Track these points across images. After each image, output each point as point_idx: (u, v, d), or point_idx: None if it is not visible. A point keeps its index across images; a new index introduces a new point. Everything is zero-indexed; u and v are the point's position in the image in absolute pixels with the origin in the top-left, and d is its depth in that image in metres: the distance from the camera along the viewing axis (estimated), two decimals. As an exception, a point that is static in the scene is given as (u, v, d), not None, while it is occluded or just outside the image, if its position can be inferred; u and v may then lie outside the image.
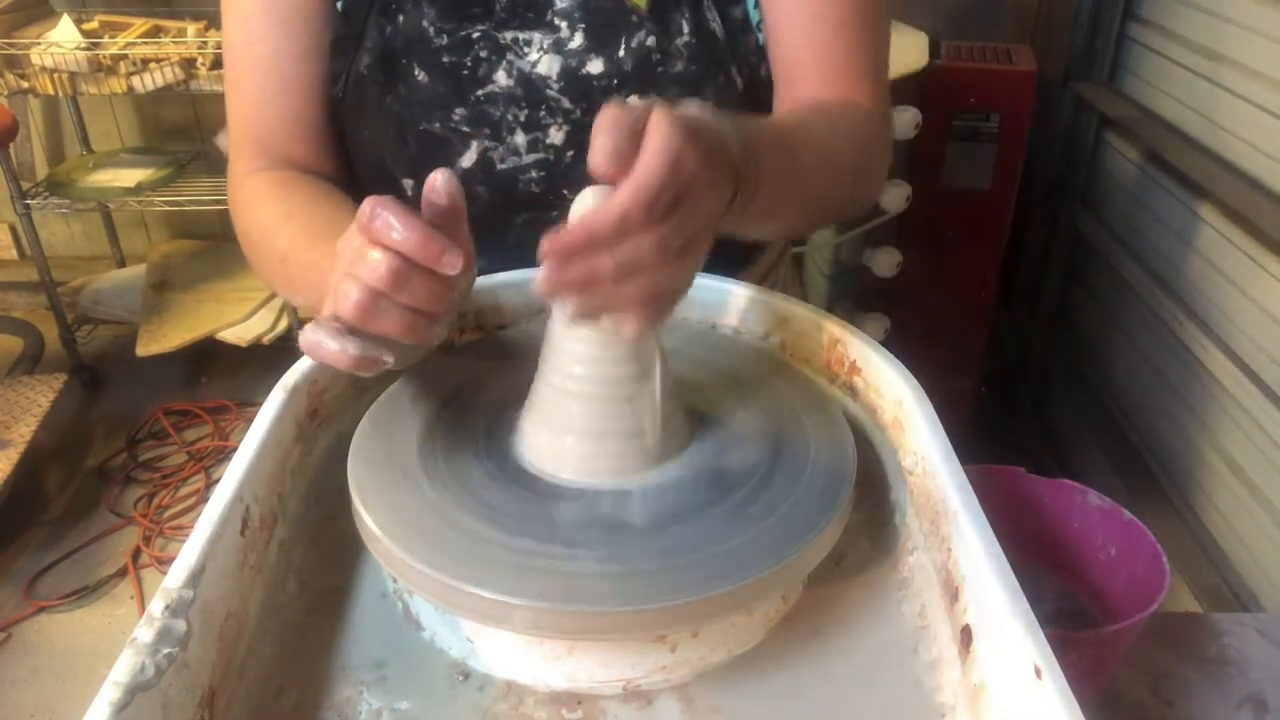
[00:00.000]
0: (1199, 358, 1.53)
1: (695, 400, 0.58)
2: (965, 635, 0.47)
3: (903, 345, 0.65)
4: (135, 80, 2.16)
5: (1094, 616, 0.80)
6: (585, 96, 0.72)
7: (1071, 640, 0.68)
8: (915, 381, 0.60)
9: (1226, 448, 1.47)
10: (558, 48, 0.72)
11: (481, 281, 0.70)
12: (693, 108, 0.49)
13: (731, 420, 0.58)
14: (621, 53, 0.72)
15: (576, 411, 0.53)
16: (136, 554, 1.95)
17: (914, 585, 0.54)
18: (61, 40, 2.10)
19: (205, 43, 2.15)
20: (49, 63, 2.12)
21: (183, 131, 2.66)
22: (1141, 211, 1.75)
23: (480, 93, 0.72)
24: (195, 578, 0.45)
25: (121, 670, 0.40)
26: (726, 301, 0.72)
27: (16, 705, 1.64)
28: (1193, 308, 1.57)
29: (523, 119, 0.73)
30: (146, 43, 2.15)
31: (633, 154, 0.44)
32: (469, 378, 0.62)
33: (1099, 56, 1.90)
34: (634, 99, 0.47)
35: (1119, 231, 1.84)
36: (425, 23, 0.71)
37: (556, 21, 0.72)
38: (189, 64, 2.16)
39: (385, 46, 0.72)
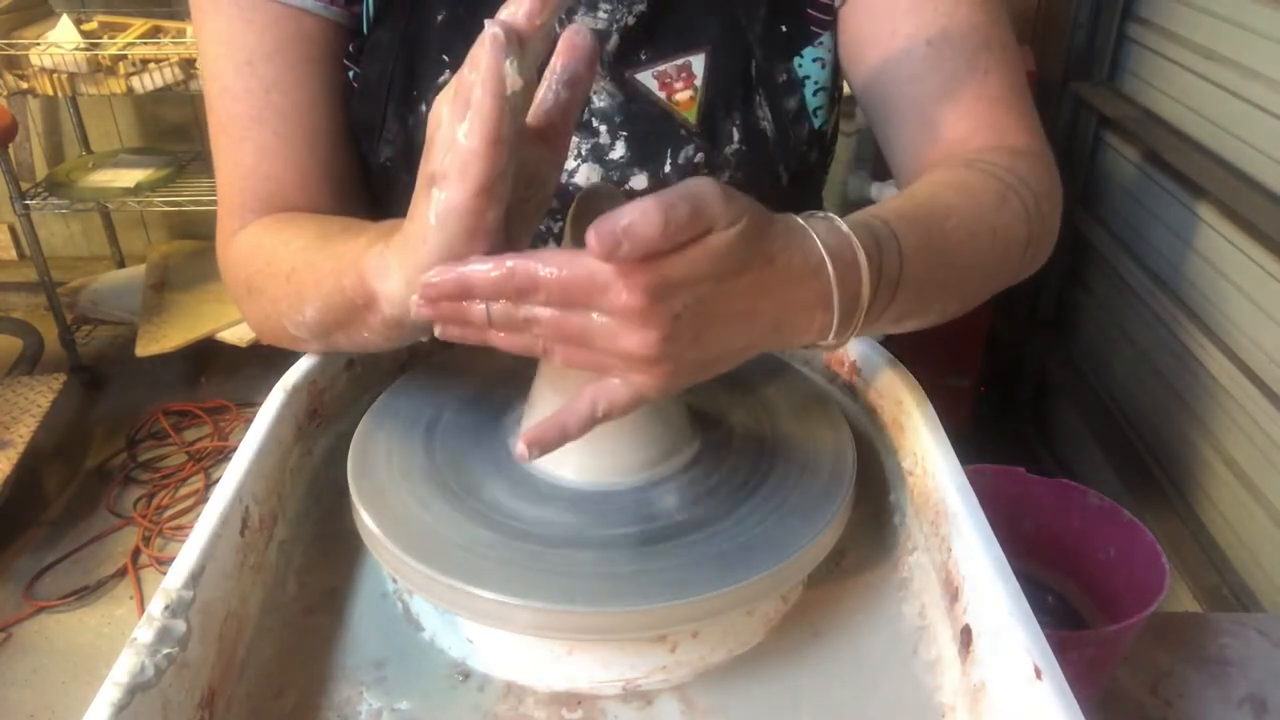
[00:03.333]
0: (1199, 358, 1.53)
1: (695, 400, 0.58)
2: (965, 635, 0.47)
3: (903, 345, 0.65)
4: (135, 81, 2.16)
5: (1094, 616, 0.80)
6: None
7: (1071, 640, 0.68)
8: (915, 381, 0.60)
9: (1226, 448, 1.47)
10: (597, 155, 0.68)
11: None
12: (815, 221, 0.45)
13: (731, 420, 0.58)
14: (668, 168, 0.67)
15: (576, 411, 0.53)
16: (136, 554, 1.95)
17: (914, 585, 0.54)
18: (61, 41, 2.10)
19: (205, 43, 2.14)
20: (48, 63, 2.12)
21: (182, 132, 2.67)
22: (1141, 211, 1.75)
23: None
24: (195, 578, 0.45)
25: (121, 670, 0.40)
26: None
27: (16, 705, 1.63)
28: (1192, 308, 1.57)
29: (557, 230, 0.70)
30: (146, 43, 2.15)
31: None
32: (469, 377, 0.62)
33: (1098, 57, 1.90)
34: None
35: (1118, 231, 1.83)
36: None
37: (595, 124, 0.67)
38: (188, 64, 2.16)
39: (408, 140, 0.68)
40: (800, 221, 0.45)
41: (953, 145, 0.64)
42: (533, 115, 0.46)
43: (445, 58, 0.67)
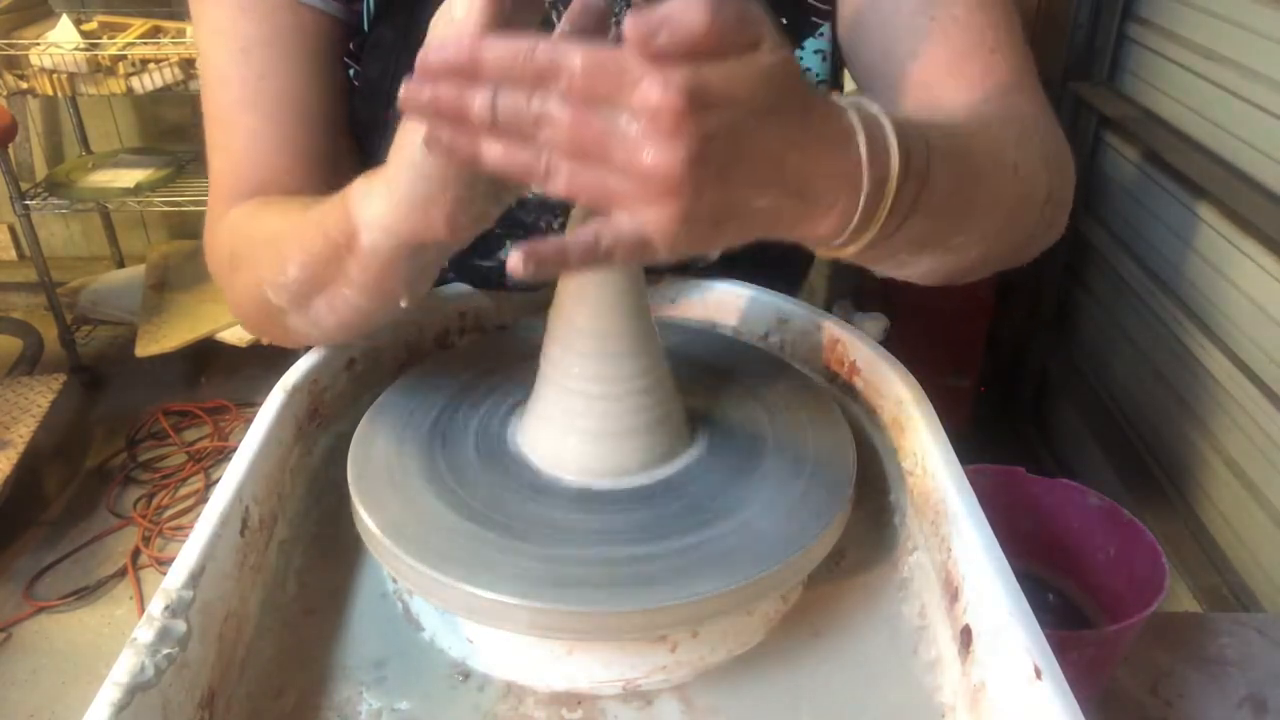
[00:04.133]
0: (1199, 358, 1.53)
1: (695, 400, 0.58)
2: (965, 635, 0.47)
3: (903, 345, 0.65)
4: (134, 81, 2.16)
5: (1094, 616, 0.80)
6: None
7: (1071, 640, 0.68)
8: (915, 381, 0.60)
9: (1226, 448, 1.47)
10: None
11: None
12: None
13: (731, 420, 0.58)
14: None
15: (577, 411, 0.53)
16: (136, 554, 1.95)
17: (914, 585, 0.54)
18: (61, 41, 2.10)
19: (205, 43, 2.14)
20: (48, 63, 2.12)
21: (182, 132, 2.66)
22: (1141, 211, 1.75)
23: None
24: (195, 578, 0.45)
25: (121, 670, 0.40)
26: (726, 301, 0.72)
27: (16, 705, 1.63)
28: (1192, 308, 1.57)
29: (557, 225, 0.70)
30: (146, 43, 2.15)
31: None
32: (469, 377, 0.62)
33: (1098, 57, 1.90)
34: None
35: (1118, 231, 1.83)
36: None
37: None
38: (188, 64, 2.16)
39: None
40: (832, 95, 0.42)
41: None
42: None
43: None
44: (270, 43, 0.64)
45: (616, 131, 0.35)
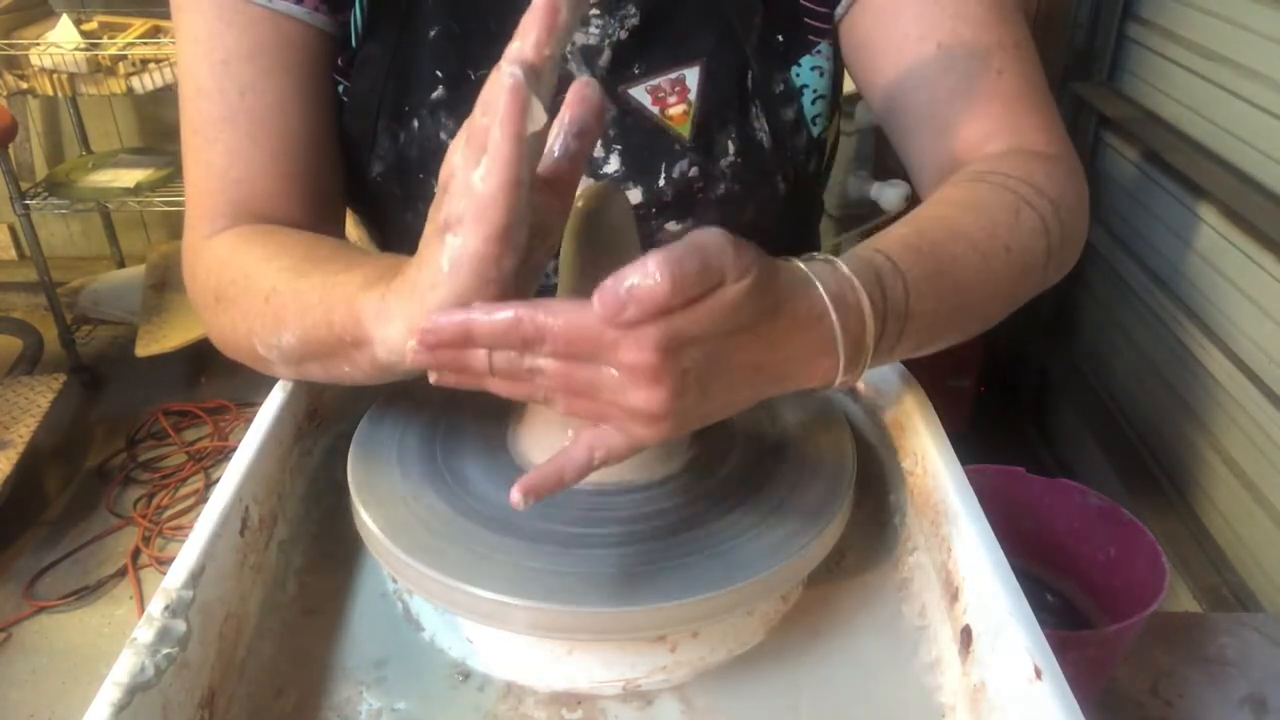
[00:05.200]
0: (1199, 358, 1.53)
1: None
2: (965, 635, 0.47)
3: (903, 345, 0.65)
4: (134, 81, 2.16)
5: (1094, 616, 0.80)
6: None
7: (1071, 640, 0.68)
8: (915, 381, 0.60)
9: (1226, 448, 1.47)
10: (591, 170, 0.67)
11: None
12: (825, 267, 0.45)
13: (731, 421, 0.58)
14: (662, 182, 0.67)
15: (576, 411, 0.53)
16: (136, 554, 1.95)
17: (914, 585, 0.54)
18: (61, 41, 2.10)
19: (205, 43, 2.14)
20: (48, 63, 2.12)
21: (182, 132, 2.66)
22: (1141, 212, 1.75)
23: None
24: (195, 578, 0.45)
25: (121, 670, 0.40)
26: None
27: (16, 706, 1.63)
28: (1192, 308, 1.57)
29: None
30: (146, 43, 2.15)
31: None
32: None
33: (1098, 57, 1.90)
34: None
35: (1119, 231, 1.83)
36: (444, 135, 0.66)
37: None
38: (189, 64, 2.16)
39: (400, 155, 0.67)
40: (803, 268, 0.44)
41: (970, 149, 0.63)
42: (542, 165, 0.45)
43: (439, 73, 0.66)
44: (252, 56, 0.62)
45: (601, 378, 0.40)
